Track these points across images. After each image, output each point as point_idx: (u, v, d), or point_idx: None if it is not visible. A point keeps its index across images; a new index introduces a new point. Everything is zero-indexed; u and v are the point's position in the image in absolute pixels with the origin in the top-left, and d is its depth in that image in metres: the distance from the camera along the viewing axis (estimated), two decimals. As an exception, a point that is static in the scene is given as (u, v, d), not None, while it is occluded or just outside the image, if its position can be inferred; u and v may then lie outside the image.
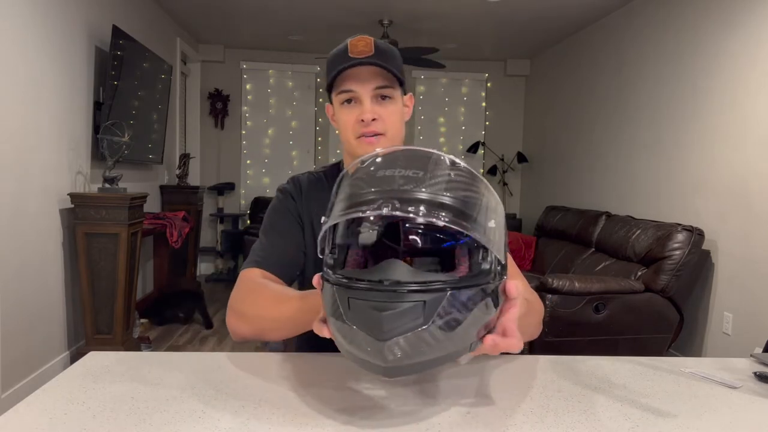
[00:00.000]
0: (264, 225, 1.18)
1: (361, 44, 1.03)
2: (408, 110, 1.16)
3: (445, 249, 0.77)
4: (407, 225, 0.77)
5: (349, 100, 1.08)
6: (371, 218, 0.74)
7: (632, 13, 4.35)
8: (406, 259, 0.79)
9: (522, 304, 0.77)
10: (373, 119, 1.06)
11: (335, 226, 0.74)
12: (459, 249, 0.72)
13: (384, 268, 0.67)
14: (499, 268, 0.70)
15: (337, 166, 1.24)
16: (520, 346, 0.73)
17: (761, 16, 3.05)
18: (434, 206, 0.65)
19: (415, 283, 0.64)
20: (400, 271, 0.66)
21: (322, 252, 0.75)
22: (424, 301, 0.63)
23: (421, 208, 0.64)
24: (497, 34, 5.51)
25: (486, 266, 0.68)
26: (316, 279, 0.74)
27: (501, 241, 0.70)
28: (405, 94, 1.14)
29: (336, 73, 1.05)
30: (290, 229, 1.16)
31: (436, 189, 0.66)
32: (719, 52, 3.36)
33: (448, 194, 0.66)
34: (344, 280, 0.68)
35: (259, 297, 1.01)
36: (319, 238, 0.74)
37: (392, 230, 0.80)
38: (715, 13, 3.41)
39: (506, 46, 5.96)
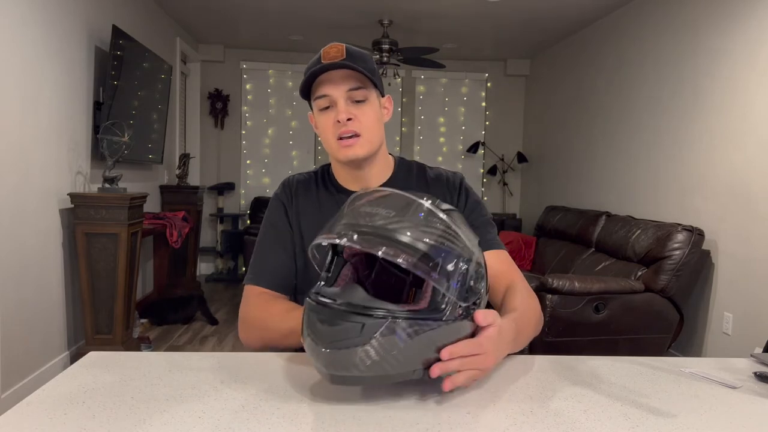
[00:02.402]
0: (259, 237, 1.22)
1: (333, 50, 1.07)
2: (387, 112, 1.19)
3: (402, 281, 0.89)
4: (374, 257, 0.87)
5: (327, 107, 1.11)
6: (346, 245, 0.82)
7: (632, 13, 4.35)
8: (383, 283, 0.91)
9: (505, 329, 0.85)
10: (349, 119, 1.09)
11: (329, 246, 0.86)
12: (413, 283, 0.83)
13: (344, 290, 0.79)
14: (460, 310, 0.77)
15: (328, 168, 1.26)
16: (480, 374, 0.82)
17: (761, 16, 3.05)
18: (388, 242, 0.73)
19: (362, 306, 0.74)
20: (355, 295, 0.77)
21: (321, 268, 0.87)
22: (363, 324, 0.72)
23: (374, 241, 0.73)
24: (497, 34, 5.51)
25: (442, 305, 0.76)
26: None
27: (461, 285, 0.76)
28: (383, 95, 1.17)
29: (309, 77, 1.09)
30: (283, 240, 1.20)
31: (400, 229, 0.74)
32: (719, 52, 3.36)
33: (407, 234, 0.74)
34: (311, 296, 0.79)
35: (265, 312, 1.10)
36: (309, 256, 0.88)
37: (369, 260, 0.90)
38: (715, 13, 3.41)
39: (506, 46, 5.96)
